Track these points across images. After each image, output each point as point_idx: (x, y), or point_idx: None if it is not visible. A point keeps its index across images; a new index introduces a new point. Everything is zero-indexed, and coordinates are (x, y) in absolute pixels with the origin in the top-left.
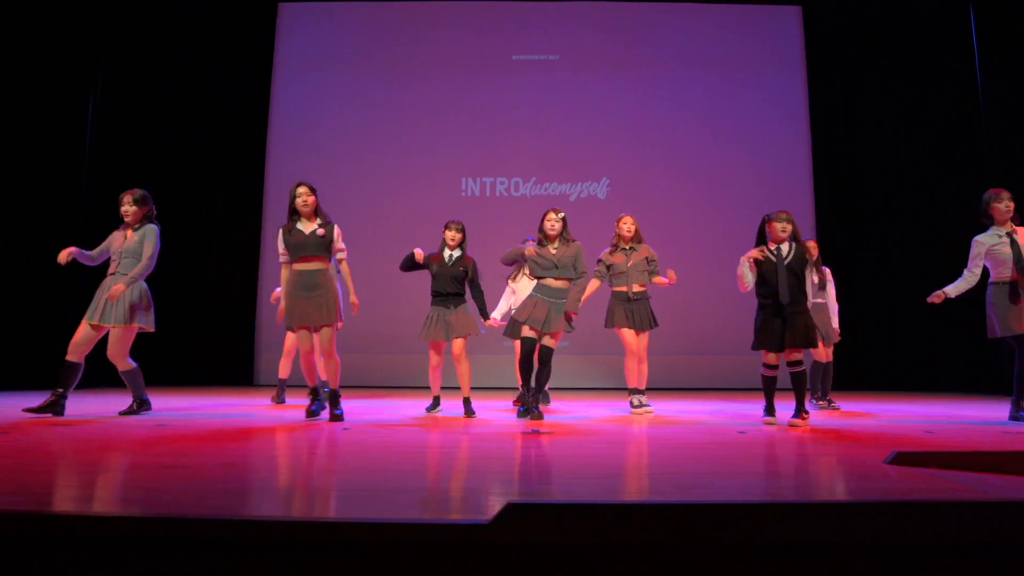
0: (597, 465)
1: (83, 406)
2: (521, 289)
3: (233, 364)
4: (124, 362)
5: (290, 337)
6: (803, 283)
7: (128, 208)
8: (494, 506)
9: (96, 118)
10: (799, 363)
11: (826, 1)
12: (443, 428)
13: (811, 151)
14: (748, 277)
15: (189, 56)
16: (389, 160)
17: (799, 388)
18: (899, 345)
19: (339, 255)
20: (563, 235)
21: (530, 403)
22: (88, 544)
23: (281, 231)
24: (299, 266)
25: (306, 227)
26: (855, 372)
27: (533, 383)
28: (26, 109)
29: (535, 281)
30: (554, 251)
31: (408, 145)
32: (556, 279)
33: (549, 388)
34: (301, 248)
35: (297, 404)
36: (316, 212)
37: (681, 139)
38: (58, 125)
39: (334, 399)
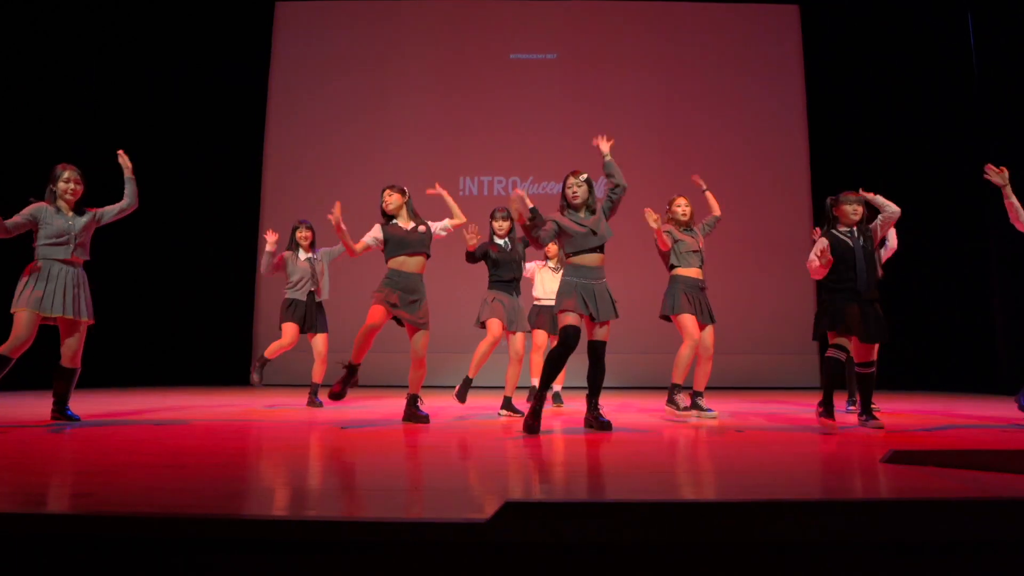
0: (595, 464)
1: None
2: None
3: (229, 363)
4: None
5: (290, 336)
6: (876, 270)
7: (78, 187)
8: (492, 505)
9: (89, 117)
10: (872, 364)
11: (824, 0)
12: (441, 427)
13: (809, 149)
14: (817, 264)
15: (186, 56)
16: (386, 159)
17: (867, 389)
18: (896, 343)
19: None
20: (589, 203)
21: (538, 411)
22: (86, 543)
23: (379, 225)
24: (400, 262)
25: (405, 224)
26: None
27: (589, 385)
28: (21, 104)
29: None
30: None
31: (405, 144)
32: (593, 252)
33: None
34: (404, 244)
35: (291, 407)
36: (408, 211)
37: (679, 138)
38: (52, 126)
39: (413, 402)
